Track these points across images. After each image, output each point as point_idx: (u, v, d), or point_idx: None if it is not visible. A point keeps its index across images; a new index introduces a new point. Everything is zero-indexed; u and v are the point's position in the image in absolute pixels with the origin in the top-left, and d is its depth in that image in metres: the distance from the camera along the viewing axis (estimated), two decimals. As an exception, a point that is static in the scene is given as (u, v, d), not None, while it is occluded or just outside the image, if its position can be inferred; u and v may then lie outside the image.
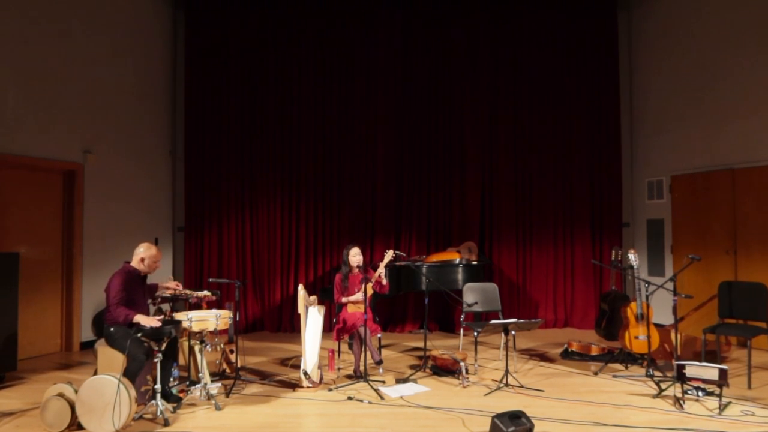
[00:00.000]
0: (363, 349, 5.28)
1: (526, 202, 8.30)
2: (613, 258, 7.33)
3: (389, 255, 5.68)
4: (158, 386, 4.33)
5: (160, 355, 4.38)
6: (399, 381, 5.34)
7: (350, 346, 5.69)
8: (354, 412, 4.55)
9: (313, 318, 5.33)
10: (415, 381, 5.35)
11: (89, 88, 6.91)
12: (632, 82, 8.43)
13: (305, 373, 5.13)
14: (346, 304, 5.68)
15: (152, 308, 5.36)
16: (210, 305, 5.66)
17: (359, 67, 8.20)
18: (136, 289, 4.76)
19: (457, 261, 7.37)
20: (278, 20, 8.13)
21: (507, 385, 5.10)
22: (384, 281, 5.67)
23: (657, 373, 5.35)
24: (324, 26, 8.18)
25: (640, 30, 8.34)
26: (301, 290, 5.31)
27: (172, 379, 4.79)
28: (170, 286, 5.20)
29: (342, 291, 5.72)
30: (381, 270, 5.60)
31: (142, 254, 4.82)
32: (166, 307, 5.61)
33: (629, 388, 5.09)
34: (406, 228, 8.21)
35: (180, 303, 5.51)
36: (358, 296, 5.58)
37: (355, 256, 5.72)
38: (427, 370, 5.69)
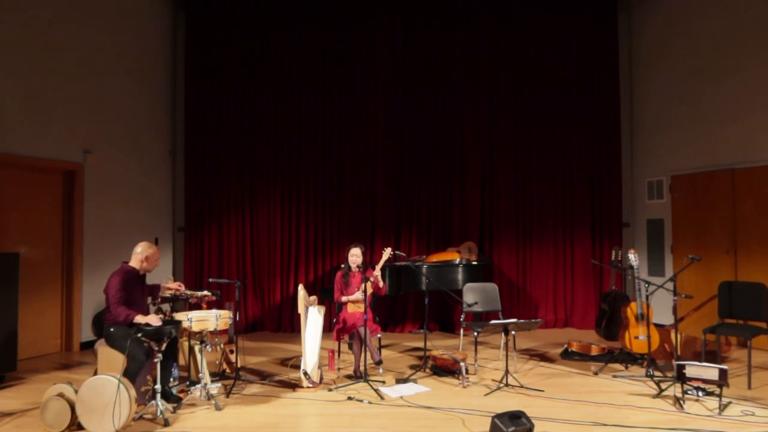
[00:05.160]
0: (363, 349, 5.27)
1: (526, 202, 8.30)
2: (613, 258, 7.33)
3: (387, 253, 5.62)
4: (158, 386, 4.33)
5: (160, 355, 4.38)
6: (399, 381, 5.34)
7: (350, 346, 5.68)
8: (354, 412, 4.55)
9: (313, 318, 5.33)
10: (415, 381, 5.35)
11: (89, 88, 6.91)
12: (632, 81, 8.43)
13: (305, 373, 5.13)
14: (346, 304, 5.67)
15: (152, 308, 5.36)
16: (210, 305, 5.67)
17: (359, 66, 8.20)
18: (135, 288, 4.77)
19: (457, 261, 7.37)
20: (278, 20, 8.13)
21: (507, 385, 5.10)
22: (381, 284, 5.62)
23: (657, 373, 5.35)
24: (324, 26, 8.17)
25: (640, 30, 8.34)
26: (301, 290, 5.31)
27: (172, 379, 4.79)
28: (172, 286, 5.20)
29: (343, 289, 5.71)
30: (378, 273, 5.55)
31: (144, 253, 4.82)
32: (166, 307, 5.61)
33: (629, 388, 5.09)
34: (406, 228, 8.21)
35: (180, 303, 5.52)
36: (358, 295, 5.57)
37: (353, 256, 5.71)
38: (427, 370, 5.69)
